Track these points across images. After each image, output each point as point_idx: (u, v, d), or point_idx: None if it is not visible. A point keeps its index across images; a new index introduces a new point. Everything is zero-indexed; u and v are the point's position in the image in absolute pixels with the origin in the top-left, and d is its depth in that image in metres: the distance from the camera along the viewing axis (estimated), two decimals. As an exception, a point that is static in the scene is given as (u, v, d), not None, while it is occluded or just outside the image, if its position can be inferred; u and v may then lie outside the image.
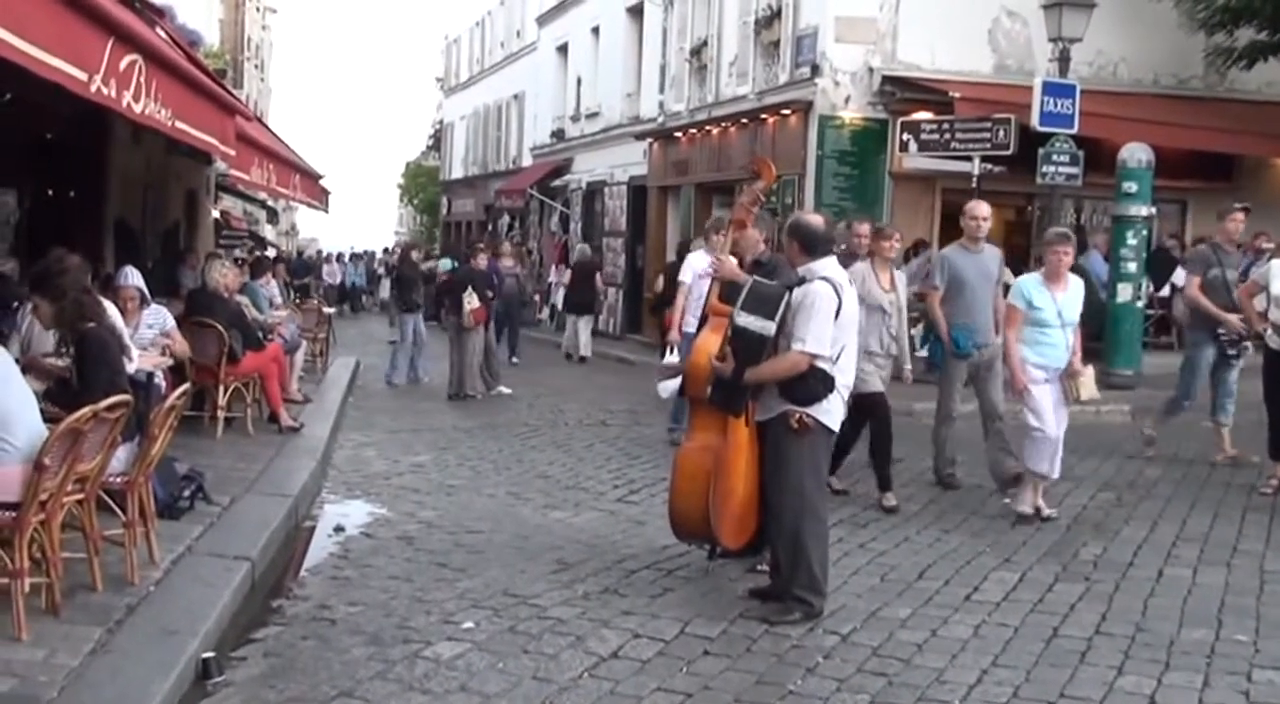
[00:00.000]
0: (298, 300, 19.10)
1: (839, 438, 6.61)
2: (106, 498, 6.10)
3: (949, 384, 9.37)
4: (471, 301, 14.78)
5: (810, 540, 6.10)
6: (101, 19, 5.16)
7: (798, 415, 6.03)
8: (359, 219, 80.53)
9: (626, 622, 5.95)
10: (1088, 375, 8.46)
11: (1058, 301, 8.24)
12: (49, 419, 5.50)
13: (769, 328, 6.05)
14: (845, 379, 6.18)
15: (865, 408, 8.42)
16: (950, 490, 9.28)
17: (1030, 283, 8.37)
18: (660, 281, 19.06)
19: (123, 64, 5.48)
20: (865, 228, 9.70)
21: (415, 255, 18.88)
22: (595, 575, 6.77)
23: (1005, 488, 8.86)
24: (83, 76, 4.94)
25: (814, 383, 6.00)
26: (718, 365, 6.22)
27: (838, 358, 6.07)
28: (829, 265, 6.23)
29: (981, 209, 9.30)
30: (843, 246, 9.08)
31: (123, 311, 8.30)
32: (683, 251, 20.08)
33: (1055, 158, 14.92)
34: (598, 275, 22.14)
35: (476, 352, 14.95)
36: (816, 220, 6.46)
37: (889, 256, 9.08)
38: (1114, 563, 7.33)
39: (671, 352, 16.29)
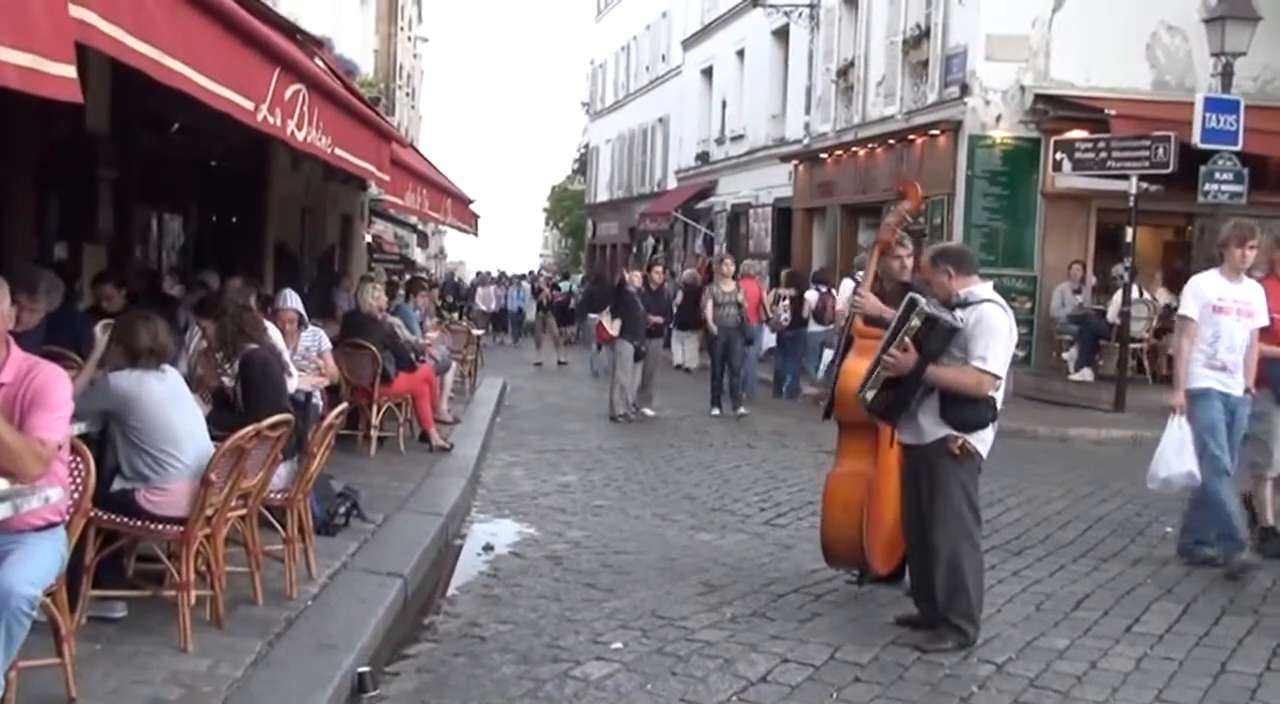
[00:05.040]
0: (448, 322, 19.43)
1: None
2: (267, 514, 6.27)
3: None
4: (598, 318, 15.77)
5: (968, 567, 5.97)
6: (269, 50, 5.32)
7: (960, 442, 5.87)
8: (505, 242, 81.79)
9: (775, 646, 5.90)
10: None
11: None
12: (213, 439, 5.67)
13: (957, 322, 5.80)
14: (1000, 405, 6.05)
15: None
16: None
17: None
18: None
19: (288, 93, 5.64)
20: None
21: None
22: (743, 598, 6.73)
23: None
24: (250, 106, 5.09)
25: (984, 409, 5.86)
26: (896, 356, 5.80)
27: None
28: (987, 288, 6.08)
29: None
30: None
31: (283, 333, 8.51)
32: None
33: (1218, 176, 14.45)
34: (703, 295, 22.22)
35: (622, 370, 14.97)
36: (959, 244, 6.38)
37: None
38: (1285, 597, 7.03)
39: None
